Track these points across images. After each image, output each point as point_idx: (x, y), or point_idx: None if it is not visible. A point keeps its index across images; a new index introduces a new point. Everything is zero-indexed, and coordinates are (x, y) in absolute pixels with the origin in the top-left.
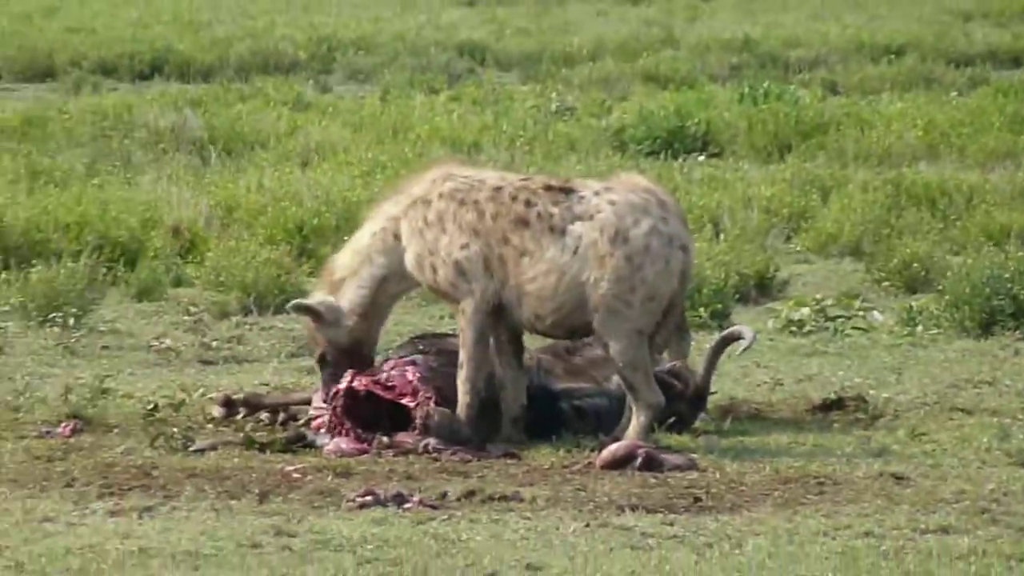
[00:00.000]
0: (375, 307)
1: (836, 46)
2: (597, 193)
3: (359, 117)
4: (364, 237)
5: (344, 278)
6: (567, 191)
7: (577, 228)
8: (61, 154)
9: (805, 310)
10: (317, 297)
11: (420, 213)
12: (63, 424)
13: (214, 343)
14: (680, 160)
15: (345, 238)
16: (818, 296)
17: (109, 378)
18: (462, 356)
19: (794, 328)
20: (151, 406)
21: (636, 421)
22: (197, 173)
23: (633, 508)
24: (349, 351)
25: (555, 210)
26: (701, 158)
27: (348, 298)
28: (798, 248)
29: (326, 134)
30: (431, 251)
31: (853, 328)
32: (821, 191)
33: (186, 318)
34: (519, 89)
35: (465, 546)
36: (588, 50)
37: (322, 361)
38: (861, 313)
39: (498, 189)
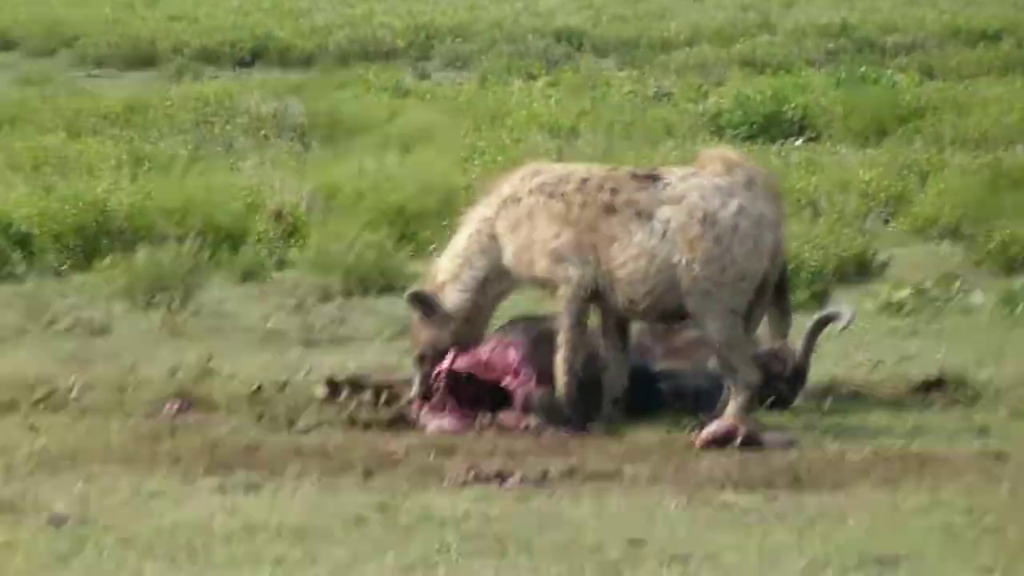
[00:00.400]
0: (477, 308)
1: (932, 31)
2: (683, 178)
3: (458, 103)
4: (461, 241)
5: (446, 282)
6: (653, 178)
7: (665, 212)
8: (163, 140)
9: (905, 291)
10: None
11: (512, 211)
12: (169, 403)
13: (317, 325)
14: (777, 144)
15: (444, 223)
16: (917, 278)
17: (214, 359)
18: (560, 339)
19: (893, 310)
20: (256, 386)
21: (734, 400)
22: (299, 158)
23: (734, 485)
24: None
25: (641, 196)
26: (798, 142)
27: (451, 300)
28: (897, 231)
29: (425, 120)
30: (526, 245)
31: (952, 309)
32: (919, 175)
33: (289, 300)
34: (616, 75)
35: (567, 522)
36: (685, 35)
37: (420, 361)
38: (960, 294)
39: (585, 180)
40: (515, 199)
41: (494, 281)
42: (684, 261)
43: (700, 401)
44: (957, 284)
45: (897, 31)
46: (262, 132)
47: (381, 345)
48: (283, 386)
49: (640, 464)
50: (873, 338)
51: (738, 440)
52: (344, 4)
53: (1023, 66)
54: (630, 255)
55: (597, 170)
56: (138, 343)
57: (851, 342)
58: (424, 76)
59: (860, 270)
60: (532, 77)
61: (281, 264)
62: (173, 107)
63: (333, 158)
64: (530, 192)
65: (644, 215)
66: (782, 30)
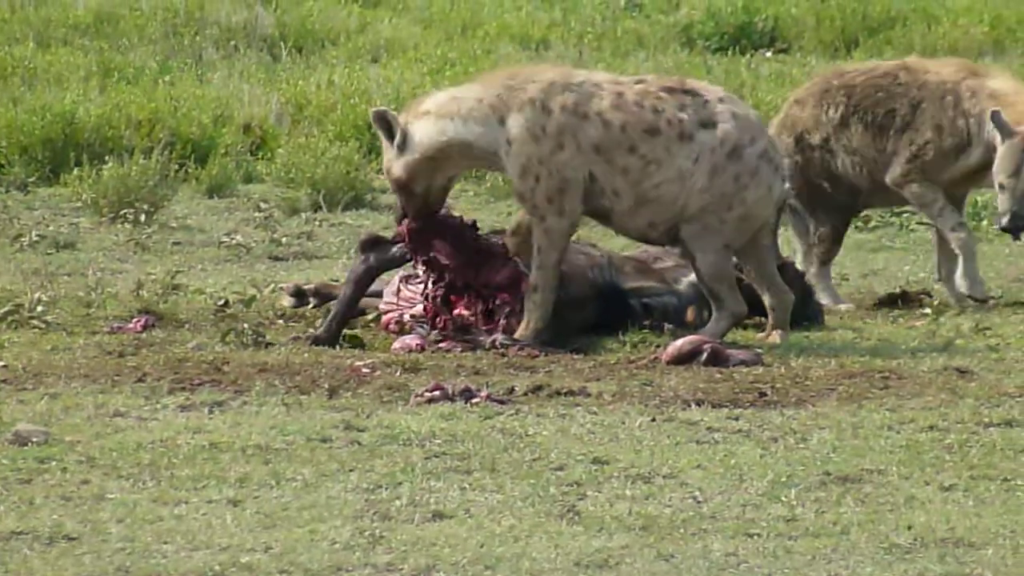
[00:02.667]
0: (443, 161)
1: None
2: (721, 100)
3: (429, 14)
4: (470, 97)
5: (430, 114)
6: (690, 92)
7: (702, 136)
8: (133, 51)
9: None
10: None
11: (538, 119)
12: (134, 319)
13: (284, 239)
14: (748, 56)
15: None
16: None
17: (180, 274)
18: (539, 278)
19: (860, 223)
20: (222, 302)
21: (716, 323)
22: (268, 70)
23: (699, 403)
24: (405, 189)
25: (683, 115)
26: (769, 54)
27: (424, 132)
28: None
29: (396, 31)
30: (541, 160)
31: (919, 223)
32: None
33: (256, 214)
34: None
35: (532, 440)
36: None
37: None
38: None
39: (620, 95)
40: (546, 108)
41: (473, 153)
42: (699, 187)
43: (668, 319)
44: None
45: None
46: (232, 43)
47: (348, 260)
48: (249, 301)
49: (606, 382)
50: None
51: (703, 357)
52: None
53: None
54: (667, 177)
55: (628, 81)
56: (104, 257)
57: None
58: None
59: None
60: None
61: (249, 177)
62: (142, 18)
63: (303, 69)
64: (563, 109)
65: (686, 136)
66: None
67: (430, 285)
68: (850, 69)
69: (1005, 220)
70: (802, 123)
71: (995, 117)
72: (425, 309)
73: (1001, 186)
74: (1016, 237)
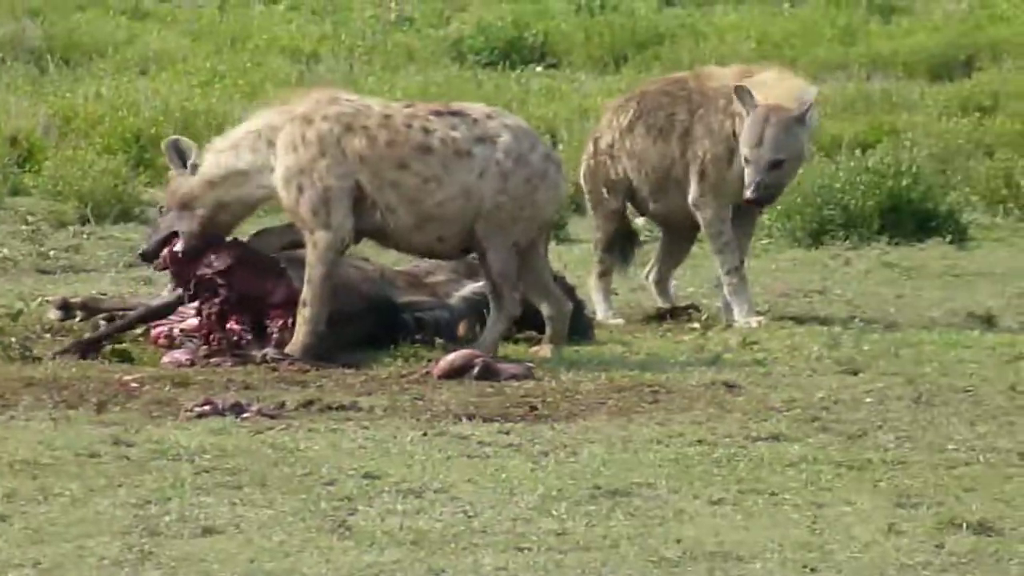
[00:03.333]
0: (221, 192)
1: None
2: (490, 116)
3: (198, 26)
4: (239, 132)
5: (212, 152)
6: (458, 114)
7: (480, 151)
8: None
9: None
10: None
11: (300, 129)
12: None
13: (52, 252)
14: (518, 71)
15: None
16: None
17: None
18: (308, 293)
19: None
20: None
21: (494, 328)
22: (35, 82)
23: (470, 417)
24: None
25: (456, 134)
26: (539, 69)
27: (208, 164)
28: None
29: (165, 43)
30: (303, 170)
31: None
32: None
33: (23, 227)
34: None
35: (303, 455)
36: None
37: (162, 213)
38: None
39: (388, 117)
40: (307, 119)
41: (249, 182)
42: (491, 192)
43: (440, 333)
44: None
45: None
46: None
47: (116, 273)
48: (16, 315)
49: (377, 396)
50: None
51: (475, 371)
52: None
53: None
54: (449, 194)
55: (398, 106)
56: None
57: (585, 271)
58: None
59: None
60: (274, 1)
61: (15, 190)
62: None
63: (71, 82)
64: (325, 118)
65: (463, 153)
66: None
67: (203, 303)
68: (657, 79)
69: (750, 191)
70: (599, 129)
71: (738, 91)
72: (199, 326)
73: (746, 159)
74: (760, 206)
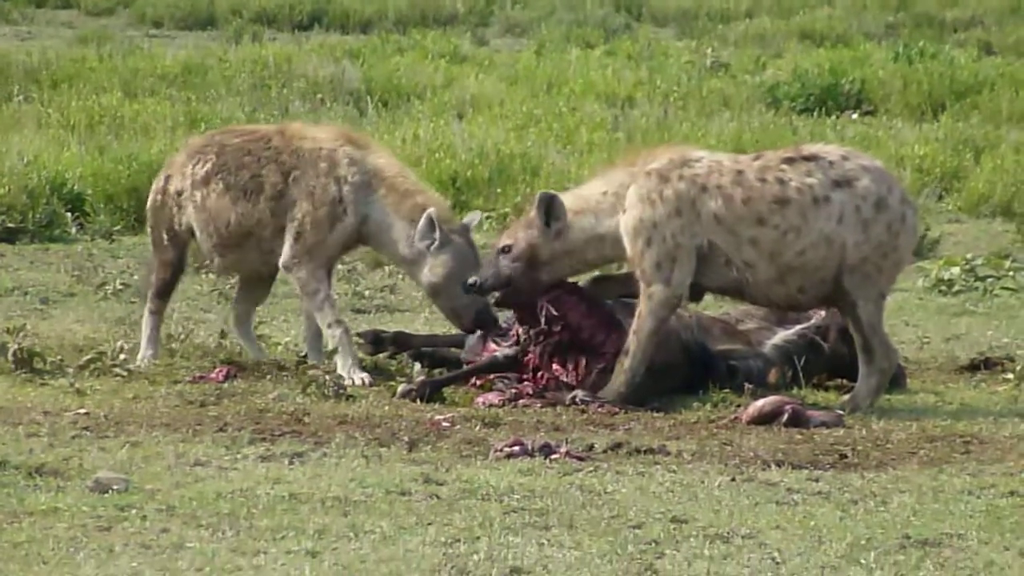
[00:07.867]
0: (575, 255)
1: (992, 6)
2: (846, 158)
3: (515, 71)
4: (594, 192)
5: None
6: (812, 159)
7: (838, 196)
8: (220, 102)
9: (955, 269)
10: None
11: (657, 185)
12: (216, 369)
13: (367, 292)
14: (833, 118)
15: (497, 191)
16: (968, 256)
17: (263, 324)
18: (633, 344)
19: (943, 287)
20: (303, 353)
21: (866, 380)
22: (354, 123)
23: (779, 463)
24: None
25: (813, 180)
26: (855, 116)
27: (574, 232)
28: (949, 208)
29: (482, 87)
30: (656, 224)
31: (1003, 288)
32: (974, 151)
33: (340, 267)
34: (674, 45)
35: (611, 498)
36: (744, 7)
37: (502, 252)
38: (1011, 273)
39: (740, 173)
40: (663, 177)
41: (606, 244)
42: (854, 242)
43: (752, 382)
44: (1008, 263)
45: (956, 6)
46: (319, 96)
47: (430, 314)
48: (331, 353)
49: (685, 440)
50: (922, 316)
51: (784, 417)
52: None
53: None
54: (808, 243)
55: (747, 159)
56: (187, 307)
57: (900, 318)
58: (482, 43)
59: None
60: (590, 46)
61: None
62: (230, 69)
63: (389, 123)
64: (681, 178)
65: (820, 200)
66: (841, 3)
67: (534, 340)
68: (236, 128)
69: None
70: (172, 166)
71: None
72: (527, 362)
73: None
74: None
